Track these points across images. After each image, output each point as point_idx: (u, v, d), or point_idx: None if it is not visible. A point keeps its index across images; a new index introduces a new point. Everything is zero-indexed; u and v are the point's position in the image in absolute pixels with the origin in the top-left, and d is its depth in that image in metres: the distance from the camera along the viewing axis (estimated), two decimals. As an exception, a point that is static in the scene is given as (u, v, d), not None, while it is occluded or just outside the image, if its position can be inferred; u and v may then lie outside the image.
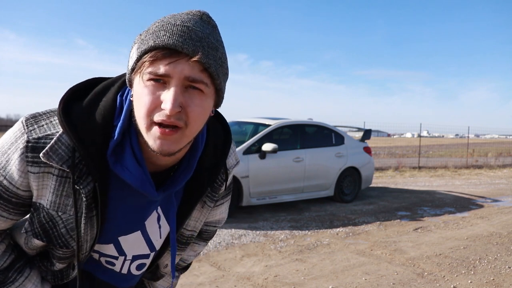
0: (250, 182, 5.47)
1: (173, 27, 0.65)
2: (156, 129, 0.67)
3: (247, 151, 5.54)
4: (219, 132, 0.90)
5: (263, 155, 5.61)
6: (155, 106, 0.66)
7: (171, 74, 0.65)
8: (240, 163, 5.34)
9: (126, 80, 0.73)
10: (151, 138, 0.68)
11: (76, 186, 0.72)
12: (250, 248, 4.21)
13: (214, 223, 1.11)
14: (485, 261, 3.93)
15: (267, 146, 5.55)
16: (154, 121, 0.67)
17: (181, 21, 0.67)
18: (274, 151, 5.54)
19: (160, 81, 0.66)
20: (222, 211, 1.08)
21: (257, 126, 6.20)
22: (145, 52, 0.65)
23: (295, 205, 6.43)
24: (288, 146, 6.09)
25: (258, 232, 4.83)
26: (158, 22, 0.68)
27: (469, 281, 3.42)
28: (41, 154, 0.69)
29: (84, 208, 0.74)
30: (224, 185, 0.95)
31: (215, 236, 4.54)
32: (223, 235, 4.64)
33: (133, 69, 0.69)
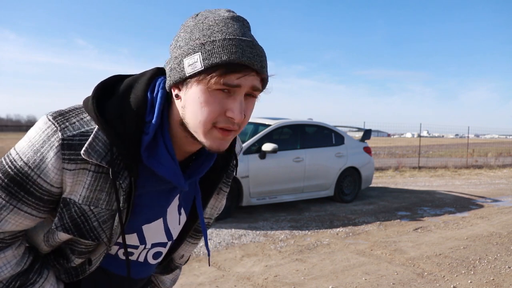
0: (250, 182, 5.47)
1: (242, 42, 0.71)
2: (217, 132, 0.74)
3: (247, 151, 5.54)
4: None
5: (263, 155, 5.61)
6: (220, 113, 0.72)
7: (242, 85, 0.71)
8: (240, 163, 5.34)
9: (171, 82, 0.75)
10: (210, 139, 0.75)
11: (117, 181, 0.74)
12: (250, 248, 4.21)
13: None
14: (485, 261, 3.93)
15: (267, 146, 5.55)
16: (216, 126, 0.73)
17: (242, 33, 0.72)
18: (274, 151, 5.54)
19: (225, 91, 0.72)
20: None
21: (257, 126, 6.20)
22: (216, 65, 0.69)
23: (295, 205, 6.44)
24: (288, 146, 6.09)
25: (258, 232, 4.83)
26: (220, 33, 0.71)
27: (469, 281, 3.42)
28: (82, 151, 0.71)
29: (121, 202, 0.77)
30: (235, 170, 0.99)
31: (215, 236, 4.55)
32: (223, 235, 4.64)
33: (190, 76, 0.71)
